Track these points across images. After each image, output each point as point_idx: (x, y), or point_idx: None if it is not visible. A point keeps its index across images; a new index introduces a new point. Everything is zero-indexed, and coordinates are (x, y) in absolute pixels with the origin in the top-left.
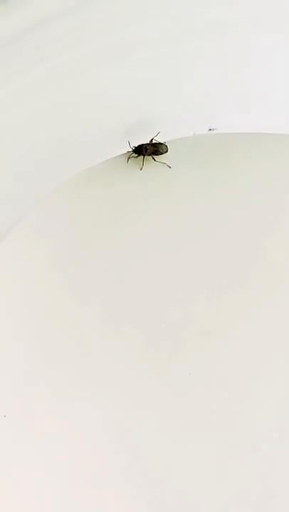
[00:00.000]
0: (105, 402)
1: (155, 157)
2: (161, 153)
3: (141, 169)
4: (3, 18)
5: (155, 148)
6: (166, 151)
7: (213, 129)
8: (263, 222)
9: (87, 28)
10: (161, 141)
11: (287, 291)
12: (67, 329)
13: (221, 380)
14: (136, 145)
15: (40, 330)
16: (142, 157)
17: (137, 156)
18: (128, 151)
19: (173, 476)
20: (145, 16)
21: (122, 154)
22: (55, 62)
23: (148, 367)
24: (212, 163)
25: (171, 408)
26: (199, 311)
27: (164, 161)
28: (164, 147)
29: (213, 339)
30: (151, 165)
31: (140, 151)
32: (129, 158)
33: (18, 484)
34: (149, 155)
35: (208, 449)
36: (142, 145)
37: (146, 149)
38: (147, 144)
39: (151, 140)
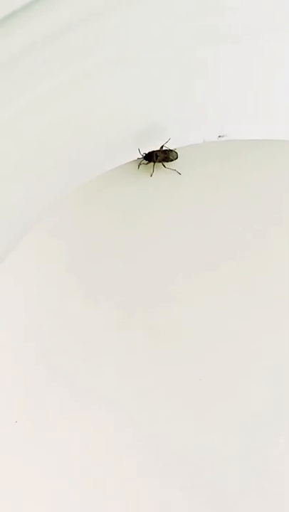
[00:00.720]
0: (118, 406)
1: (165, 164)
2: (172, 160)
3: (151, 175)
4: (9, 36)
5: (165, 155)
6: (177, 158)
7: (223, 136)
8: (274, 229)
9: (97, 37)
10: (172, 148)
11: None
12: (80, 332)
13: (227, 385)
14: (146, 152)
15: (54, 332)
16: (152, 164)
17: (147, 163)
18: (138, 158)
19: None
20: (154, 23)
21: (133, 161)
22: (66, 73)
23: (161, 370)
24: (222, 169)
25: (179, 413)
26: (208, 319)
27: (173, 168)
28: (174, 154)
29: (220, 343)
30: (162, 171)
31: (151, 157)
32: (139, 164)
33: (29, 488)
34: (159, 162)
35: (217, 458)
36: (153, 152)
37: (156, 156)
38: (158, 150)
39: (162, 147)
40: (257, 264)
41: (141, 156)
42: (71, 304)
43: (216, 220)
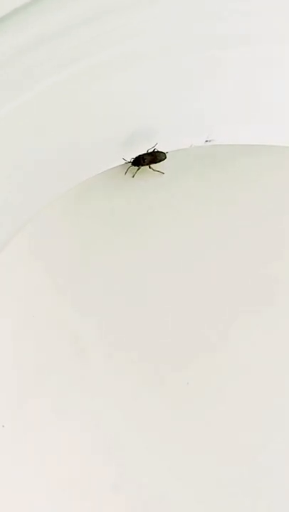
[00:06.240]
0: (103, 416)
1: (152, 166)
2: (160, 161)
3: (133, 176)
4: (4, 35)
5: (152, 157)
6: (165, 158)
7: (210, 141)
8: (259, 232)
9: (87, 43)
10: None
11: (285, 300)
12: (65, 342)
13: (217, 392)
14: (134, 156)
15: (39, 342)
16: (139, 167)
17: (137, 169)
18: (126, 162)
19: (167, 491)
20: (145, 29)
21: (120, 165)
22: (55, 77)
23: (146, 381)
24: (209, 174)
25: (168, 422)
26: (198, 324)
27: (159, 169)
28: (162, 155)
29: (212, 351)
30: (149, 176)
31: (138, 162)
32: (127, 170)
33: (12, 492)
34: (147, 164)
35: (203, 463)
36: (139, 156)
37: (143, 159)
38: (144, 154)
39: (148, 151)
40: (253, 271)
41: (128, 161)
42: (56, 315)
43: (204, 226)
